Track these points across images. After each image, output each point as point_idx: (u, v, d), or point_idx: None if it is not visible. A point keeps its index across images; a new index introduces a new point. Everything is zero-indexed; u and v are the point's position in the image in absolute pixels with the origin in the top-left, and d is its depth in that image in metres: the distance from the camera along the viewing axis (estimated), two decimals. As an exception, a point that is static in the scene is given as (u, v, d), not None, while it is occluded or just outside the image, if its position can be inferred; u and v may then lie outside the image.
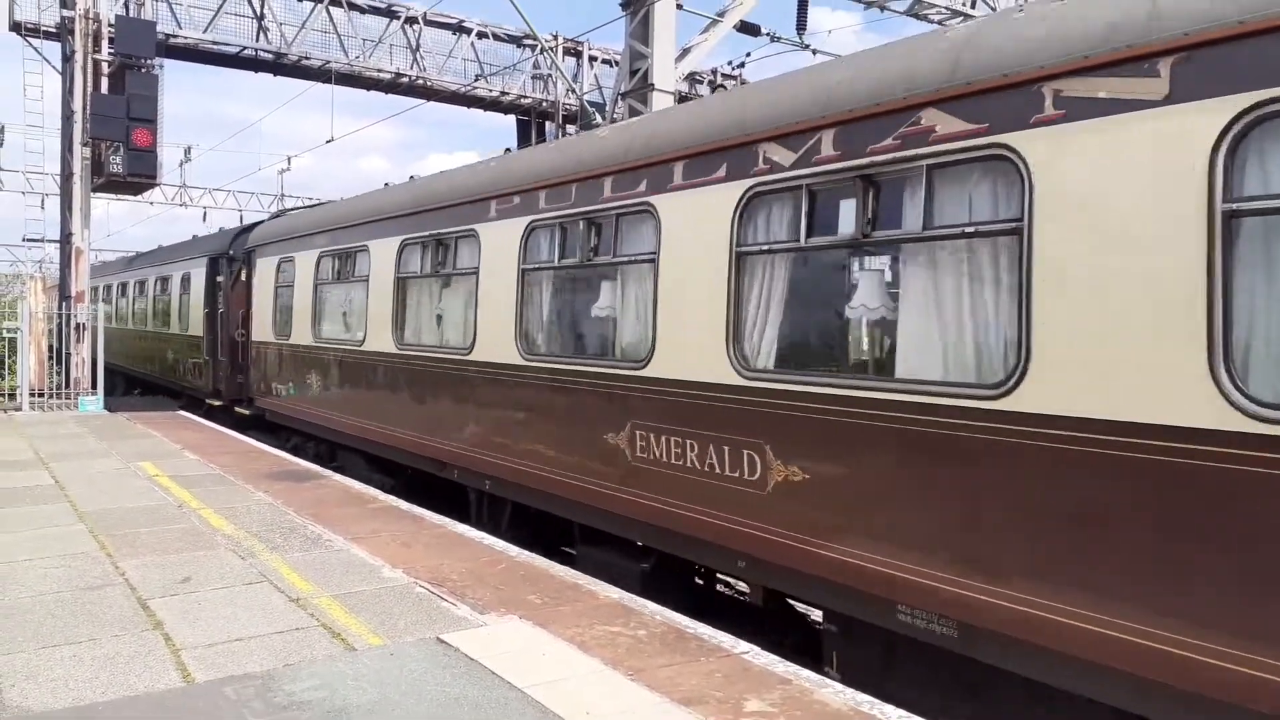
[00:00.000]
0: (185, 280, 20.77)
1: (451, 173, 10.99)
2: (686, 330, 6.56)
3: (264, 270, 15.43)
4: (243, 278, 16.82)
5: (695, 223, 6.48)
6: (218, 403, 18.02)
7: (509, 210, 8.71)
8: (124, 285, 28.49)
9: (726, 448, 6.12)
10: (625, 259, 7.36)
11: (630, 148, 7.27)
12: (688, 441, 6.42)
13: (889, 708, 4.51)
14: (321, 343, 12.85)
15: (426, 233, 10.12)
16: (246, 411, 16.25)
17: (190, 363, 20.13)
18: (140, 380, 25.18)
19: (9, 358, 18.78)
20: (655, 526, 6.80)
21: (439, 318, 10.13)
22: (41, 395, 17.98)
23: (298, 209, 16.60)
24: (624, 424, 7.03)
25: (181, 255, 22.03)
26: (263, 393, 15.34)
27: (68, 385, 18.28)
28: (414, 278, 10.46)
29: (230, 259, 17.77)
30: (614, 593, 6.42)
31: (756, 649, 5.34)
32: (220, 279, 18.36)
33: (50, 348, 19.09)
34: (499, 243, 8.77)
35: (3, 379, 18.73)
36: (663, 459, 6.65)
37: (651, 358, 6.86)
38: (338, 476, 11.09)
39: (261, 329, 15.35)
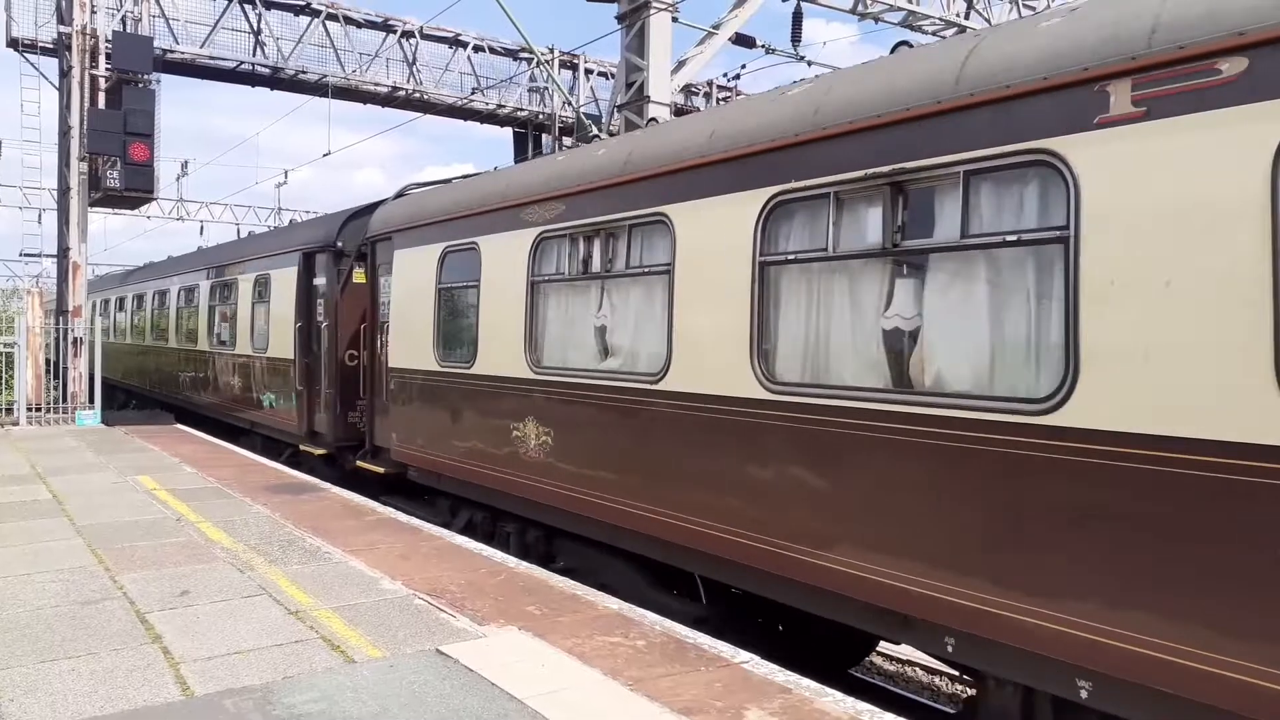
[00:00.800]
0: (260, 285, 15.87)
1: (909, 58, 5.70)
2: None
3: (410, 266, 10.70)
4: (355, 278, 12.85)
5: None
6: (318, 451, 13.43)
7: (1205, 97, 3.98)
8: (161, 294, 22.50)
9: None
10: None
11: None
12: None
13: (889, 716, 4.52)
14: (549, 374, 8.06)
15: (842, 178, 5.53)
16: (376, 468, 11.48)
17: (268, 394, 15.37)
18: (188, 414, 19.46)
19: (6, 372, 18.73)
20: None
21: (903, 335, 5.31)
22: (39, 410, 17.98)
23: (437, 182, 11.92)
24: None
25: (252, 253, 17.03)
26: (410, 443, 10.55)
27: (65, 400, 18.28)
28: (821, 261, 5.75)
29: (338, 253, 13.27)
30: (613, 603, 6.42)
31: (756, 658, 5.34)
32: (320, 281, 13.76)
33: (48, 362, 19.09)
34: (1150, 180, 4.15)
35: (-1, 394, 18.68)
36: None
37: None
38: (336, 489, 11.07)
39: (408, 349, 10.58)
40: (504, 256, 8.86)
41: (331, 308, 13.34)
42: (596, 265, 7.77)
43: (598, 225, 7.68)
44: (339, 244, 13.33)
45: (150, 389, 23.22)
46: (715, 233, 6.53)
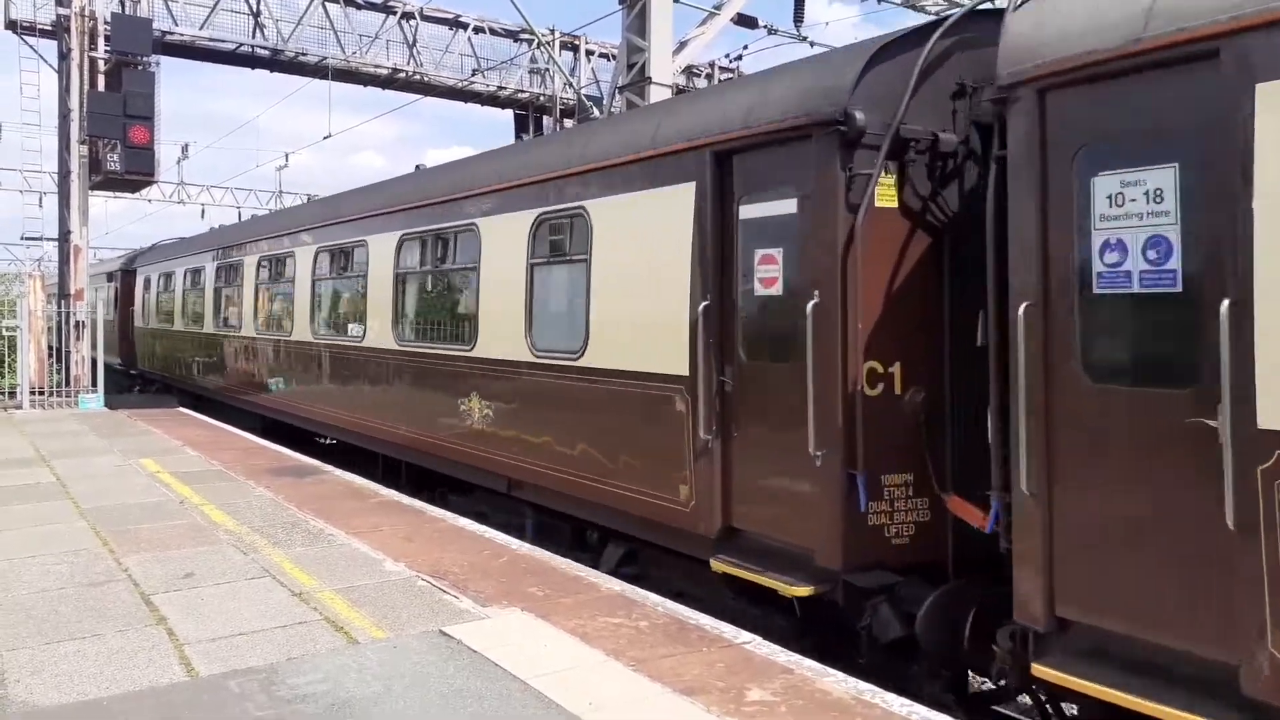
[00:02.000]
0: (552, 231, 8.56)
1: None
2: None
3: None
4: (879, 198, 5.64)
5: None
6: (791, 588, 5.77)
7: None
8: (275, 261, 14.87)
9: None
10: None
11: None
12: None
13: (890, 695, 4.54)
14: None
15: None
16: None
17: (577, 432, 7.96)
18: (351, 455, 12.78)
19: (9, 356, 18.74)
20: None
21: None
22: (41, 393, 18.01)
23: None
24: None
25: (516, 175, 9.00)
26: None
27: (68, 383, 18.32)
28: None
29: (849, 142, 5.64)
30: (615, 584, 6.44)
31: (759, 639, 5.37)
32: (766, 209, 6.34)
33: (50, 346, 19.13)
34: None
35: (2, 377, 18.67)
36: None
37: None
38: (339, 471, 11.09)
39: None
40: None
41: (829, 266, 5.77)
42: None
43: None
44: (857, 116, 5.62)
45: (255, 401, 15.78)
46: None
